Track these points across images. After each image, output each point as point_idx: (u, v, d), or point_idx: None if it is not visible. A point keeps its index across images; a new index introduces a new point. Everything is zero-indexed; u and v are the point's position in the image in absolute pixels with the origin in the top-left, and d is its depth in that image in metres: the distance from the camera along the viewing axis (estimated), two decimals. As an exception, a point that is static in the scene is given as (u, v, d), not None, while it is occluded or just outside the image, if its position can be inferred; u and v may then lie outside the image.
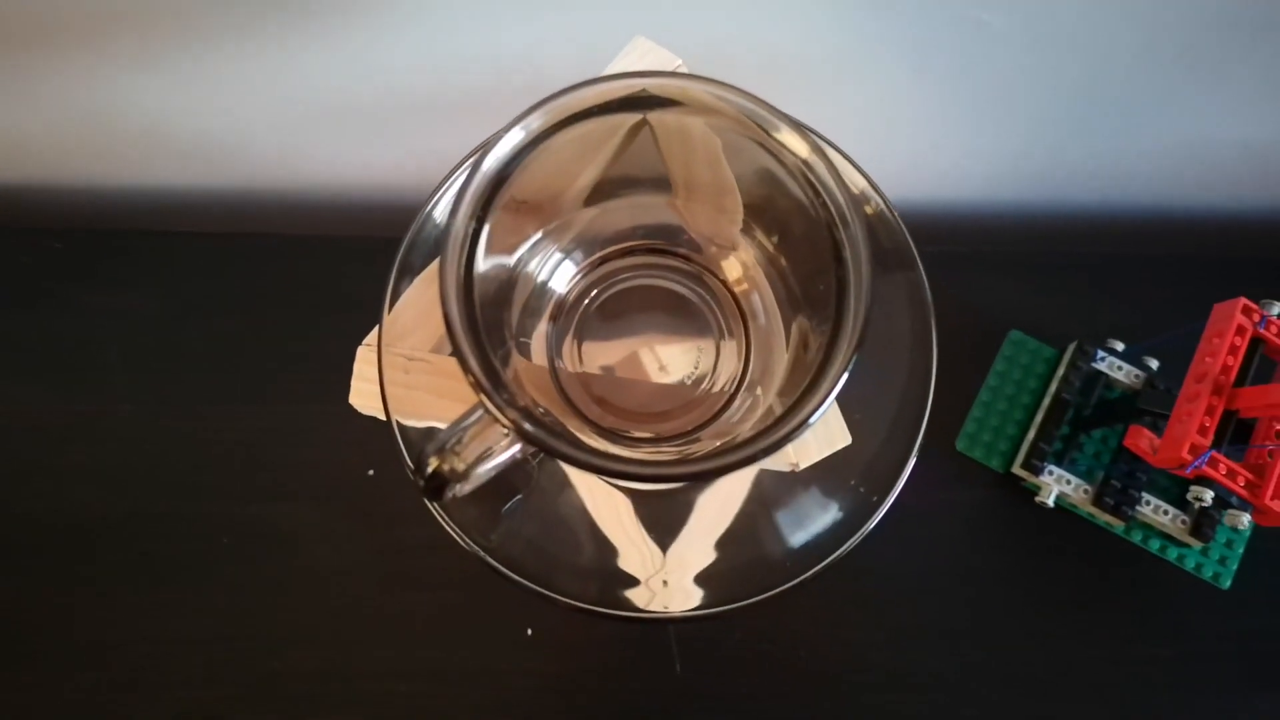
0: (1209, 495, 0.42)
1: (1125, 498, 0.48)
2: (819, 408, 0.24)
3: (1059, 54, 0.45)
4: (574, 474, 0.32)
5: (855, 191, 0.30)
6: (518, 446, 0.29)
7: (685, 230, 0.32)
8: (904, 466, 0.30)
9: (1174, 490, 0.50)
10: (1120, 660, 0.49)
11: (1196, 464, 0.41)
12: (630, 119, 0.29)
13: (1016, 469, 0.50)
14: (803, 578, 0.29)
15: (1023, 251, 0.55)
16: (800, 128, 0.25)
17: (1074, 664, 0.49)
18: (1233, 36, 0.43)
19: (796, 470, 0.32)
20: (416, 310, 0.32)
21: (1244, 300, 0.43)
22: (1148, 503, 0.49)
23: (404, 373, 0.32)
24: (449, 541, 0.50)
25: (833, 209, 0.25)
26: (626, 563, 0.31)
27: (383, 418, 0.33)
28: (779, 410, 0.31)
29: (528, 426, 0.24)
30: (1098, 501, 0.49)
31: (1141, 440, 0.46)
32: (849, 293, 0.25)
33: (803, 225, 0.27)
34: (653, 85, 0.27)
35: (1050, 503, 0.49)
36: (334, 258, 0.54)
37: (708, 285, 0.32)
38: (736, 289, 0.31)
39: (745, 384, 0.32)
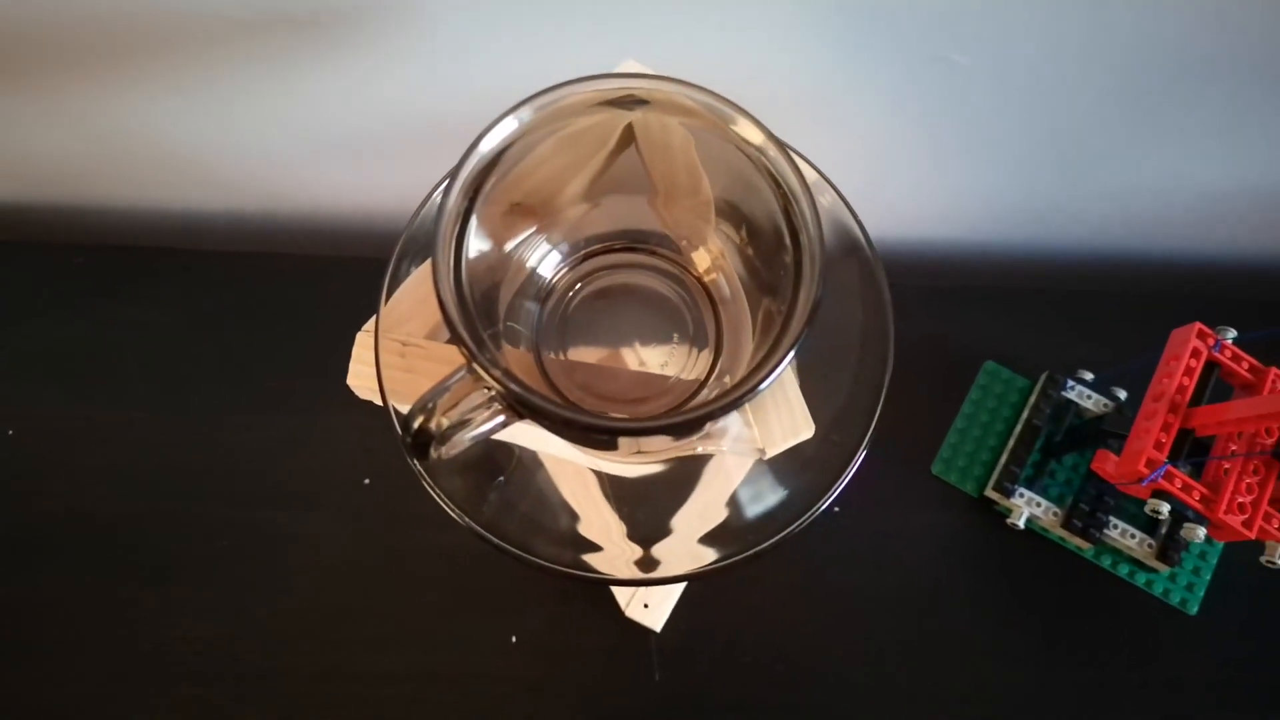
0: (1165, 508, 0.44)
1: (1093, 521, 0.50)
2: (769, 375, 0.26)
3: (1025, 96, 0.48)
4: (545, 456, 0.35)
5: (811, 179, 0.32)
6: (500, 418, 0.32)
7: (662, 228, 0.34)
8: (858, 451, 0.33)
9: (1142, 517, 0.51)
10: (1087, 683, 0.50)
11: (1153, 477, 0.43)
12: (620, 120, 0.32)
13: (989, 491, 0.52)
14: (757, 549, 0.31)
15: (999, 286, 0.58)
16: (755, 120, 0.28)
17: (1042, 685, 0.50)
18: (1185, 82, 0.46)
19: (764, 457, 0.34)
20: (414, 299, 0.35)
21: (1199, 325, 0.45)
22: (1115, 526, 0.50)
23: (400, 356, 0.34)
24: (439, 548, 0.52)
25: (786, 190, 0.28)
26: (589, 529, 0.33)
27: (378, 400, 0.35)
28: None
29: (510, 385, 0.26)
30: (1067, 524, 0.50)
31: (1107, 464, 0.48)
32: (804, 269, 0.27)
33: (765, 216, 0.30)
34: (632, 85, 0.30)
35: (1021, 524, 0.51)
36: (345, 278, 0.56)
37: (683, 280, 0.35)
38: (706, 279, 0.34)
39: (716, 372, 0.34)
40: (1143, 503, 0.51)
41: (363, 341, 0.36)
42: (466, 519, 0.31)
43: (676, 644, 0.50)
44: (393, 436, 0.53)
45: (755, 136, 0.28)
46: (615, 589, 0.49)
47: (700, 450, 0.35)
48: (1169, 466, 0.43)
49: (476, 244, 0.30)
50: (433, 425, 0.28)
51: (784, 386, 0.34)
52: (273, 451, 0.54)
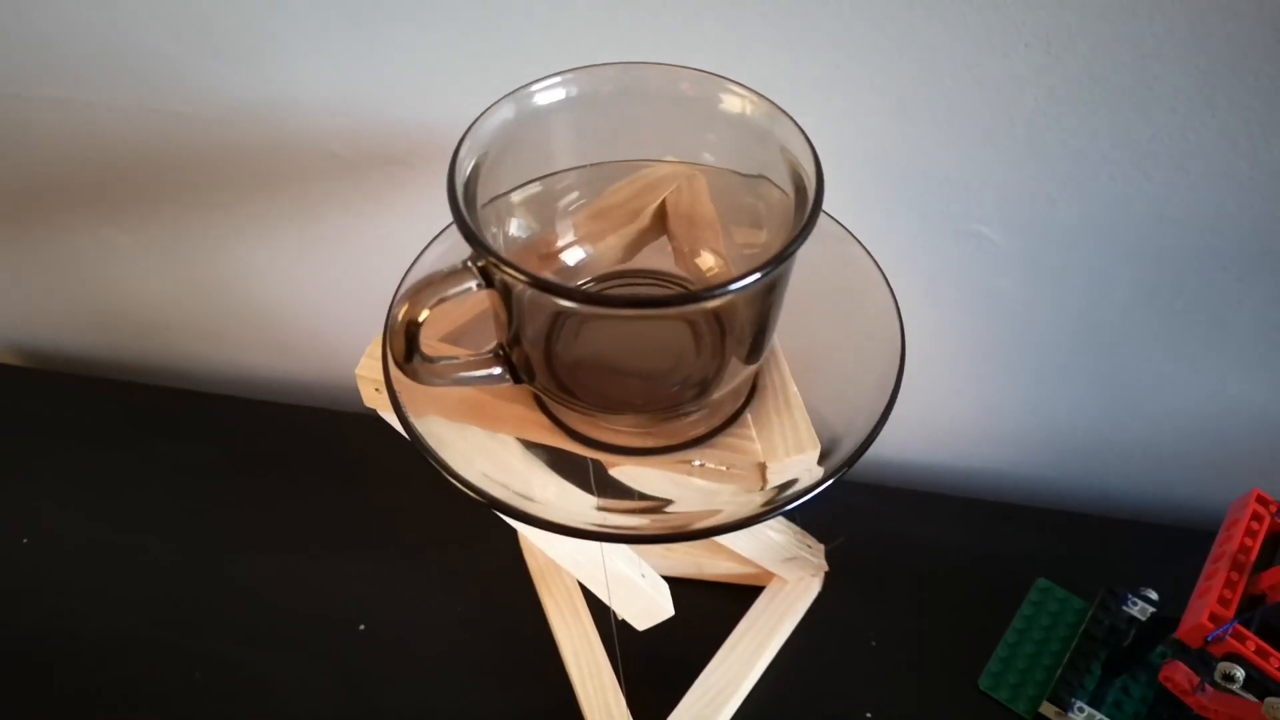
0: (1240, 673, 0.38)
1: (1168, 745, 0.43)
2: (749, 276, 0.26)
3: (1059, 287, 0.48)
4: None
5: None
6: (495, 369, 0.31)
7: (673, 257, 0.36)
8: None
9: (1227, 753, 0.44)
10: None
11: (1218, 633, 0.38)
12: (651, 197, 0.35)
13: (1044, 705, 0.46)
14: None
15: (1050, 509, 0.55)
16: (746, 87, 0.31)
17: None
18: (1221, 276, 0.46)
19: (766, 475, 0.32)
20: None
21: (1257, 491, 0.42)
22: (1195, 758, 0.43)
23: (409, 351, 0.35)
24: (427, 709, 0.47)
25: (782, 140, 0.29)
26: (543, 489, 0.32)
27: (383, 404, 0.35)
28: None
29: (507, 264, 0.27)
30: (1136, 748, 0.44)
31: (1177, 674, 0.43)
32: (806, 197, 0.28)
33: (777, 200, 0.31)
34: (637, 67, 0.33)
35: (1082, 743, 0.44)
36: (371, 433, 0.57)
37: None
38: (709, 275, 0.34)
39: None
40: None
41: (378, 339, 0.36)
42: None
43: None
44: (392, 584, 0.51)
45: (739, 104, 0.31)
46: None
47: (698, 464, 0.33)
48: (1236, 624, 0.38)
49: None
50: (419, 315, 0.28)
51: (790, 406, 0.33)
52: (273, 589, 0.52)
